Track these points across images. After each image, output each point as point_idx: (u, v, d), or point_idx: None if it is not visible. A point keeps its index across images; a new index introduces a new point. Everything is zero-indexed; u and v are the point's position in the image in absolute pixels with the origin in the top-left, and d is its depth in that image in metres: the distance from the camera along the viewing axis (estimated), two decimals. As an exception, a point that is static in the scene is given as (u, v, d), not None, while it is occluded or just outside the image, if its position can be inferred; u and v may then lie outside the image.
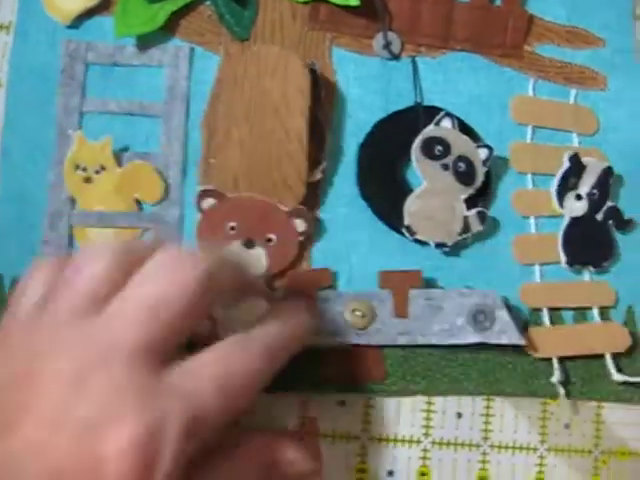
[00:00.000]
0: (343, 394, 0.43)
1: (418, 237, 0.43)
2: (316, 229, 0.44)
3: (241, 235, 0.41)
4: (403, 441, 0.44)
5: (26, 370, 0.29)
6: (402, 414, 0.44)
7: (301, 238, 0.42)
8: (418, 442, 0.44)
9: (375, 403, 0.44)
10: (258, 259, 0.41)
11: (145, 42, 0.44)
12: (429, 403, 0.44)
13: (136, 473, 0.27)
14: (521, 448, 0.44)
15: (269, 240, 0.41)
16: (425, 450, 0.44)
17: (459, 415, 0.44)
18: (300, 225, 0.42)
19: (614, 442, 0.45)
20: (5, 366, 0.30)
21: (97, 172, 0.42)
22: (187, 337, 0.32)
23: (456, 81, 0.46)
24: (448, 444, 0.44)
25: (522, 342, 0.42)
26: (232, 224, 0.41)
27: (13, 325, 0.32)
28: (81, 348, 0.29)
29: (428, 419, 0.44)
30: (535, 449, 0.44)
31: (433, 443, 0.44)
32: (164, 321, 0.30)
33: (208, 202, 0.41)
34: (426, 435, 0.44)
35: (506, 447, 0.44)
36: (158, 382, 0.29)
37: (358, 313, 0.42)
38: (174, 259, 0.32)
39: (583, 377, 0.44)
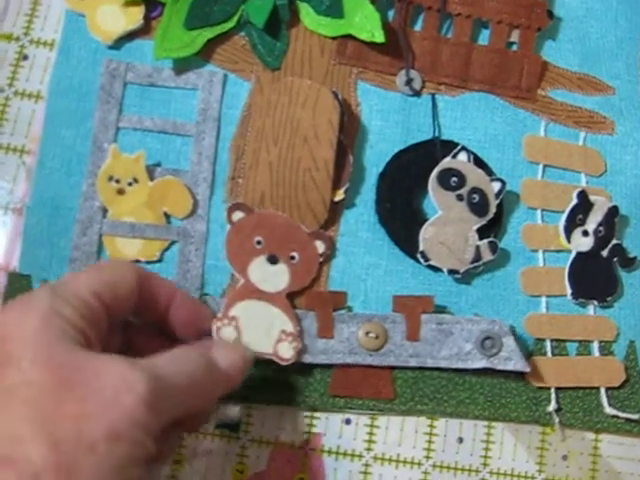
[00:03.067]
0: (349, 413, 0.45)
1: (432, 263, 0.45)
2: (336, 251, 0.46)
3: (266, 250, 0.43)
4: (405, 462, 0.45)
5: None
6: (405, 436, 0.45)
7: (321, 259, 0.44)
8: (419, 464, 0.45)
9: (380, 423, 0.45)
10: (281, 275, 0.43)
11: (182, 66, 0.47)
12: (431, 426, 0.45)
13: None
14: (519, 476, 0.45)
15: (292, 258, 0.43)
16: (426, 472, 0.45)
17: (460, 440, 0.45)
18: (320, 247, 0.44)
19: (610, 476, 0.46)
20: None
21: (130, 184, 0.44)
22: None
23: (473, 119, 0.48)
24: (448, 468, 0.45)
25: (527, 369, 0.44)
26: (259, 238, 0.43)
27: None
28: None
29: (430, 442, 0.45)
30: (533, 478, 0.45)
31: (434, 466, 0.45)
32: None
33: (237, 215, 0.43)
34: (427, 458, 0.45)
35: (504, 474, 0.45)
36: None
37: (372, 335, 0.44)
38: None
39: (583, 408, 0.46)
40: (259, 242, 0.43)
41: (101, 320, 0.35)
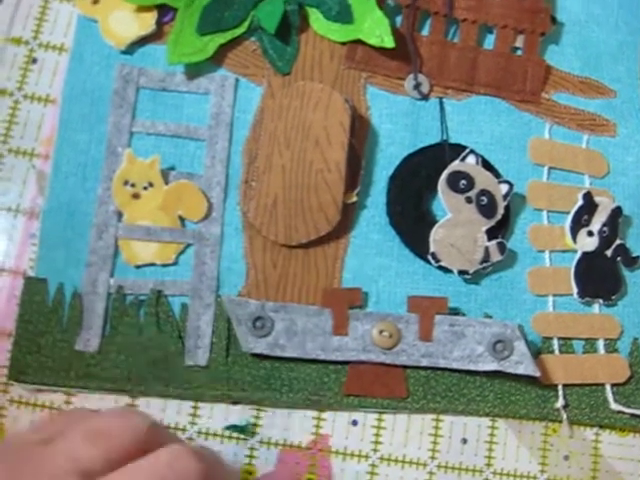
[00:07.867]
0: (360, 412, 0.45)
1: (442, 264, 0.46)
2: (348, 252, 0.46)
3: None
4: (411, 463, 0.46)
5: None
6: (411, 437, 0.46)
7: None
8: (425, 465, 0.46)
9: (386, 425, 0.46)
10: None
11: (194, 71, 0.47)
12: (436, 428, 0.46)
13: None
14: (522, 476, 0.46)
15: None
16: (431, 473, 0.46)
17: (464, 441, 0.46)
18: None
19: (611, 476, 0.47)
20: None
21: (145, 188, 0.45)
22: None
23: (479, 122, 0.49)
24: (453, 468, 0.46)
25: (537, 374, 0.45)
26: None
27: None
28: None
29: (435, 443, 0.46)
30: (535, 478, 0.46)
31: (439, 466, 0.46)
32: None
33: None
34: (432, 458, 0.46)
35: (507, 474, 0.46)
36: None
37: (385, 334, 0.45)
38: None
39: (590, 404, 0.47)
40: None
41: None
